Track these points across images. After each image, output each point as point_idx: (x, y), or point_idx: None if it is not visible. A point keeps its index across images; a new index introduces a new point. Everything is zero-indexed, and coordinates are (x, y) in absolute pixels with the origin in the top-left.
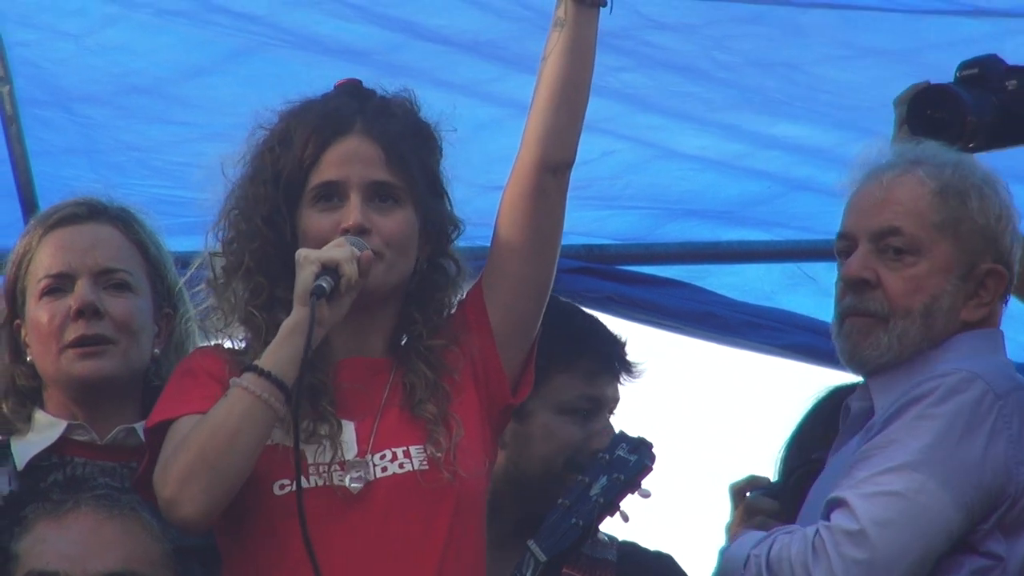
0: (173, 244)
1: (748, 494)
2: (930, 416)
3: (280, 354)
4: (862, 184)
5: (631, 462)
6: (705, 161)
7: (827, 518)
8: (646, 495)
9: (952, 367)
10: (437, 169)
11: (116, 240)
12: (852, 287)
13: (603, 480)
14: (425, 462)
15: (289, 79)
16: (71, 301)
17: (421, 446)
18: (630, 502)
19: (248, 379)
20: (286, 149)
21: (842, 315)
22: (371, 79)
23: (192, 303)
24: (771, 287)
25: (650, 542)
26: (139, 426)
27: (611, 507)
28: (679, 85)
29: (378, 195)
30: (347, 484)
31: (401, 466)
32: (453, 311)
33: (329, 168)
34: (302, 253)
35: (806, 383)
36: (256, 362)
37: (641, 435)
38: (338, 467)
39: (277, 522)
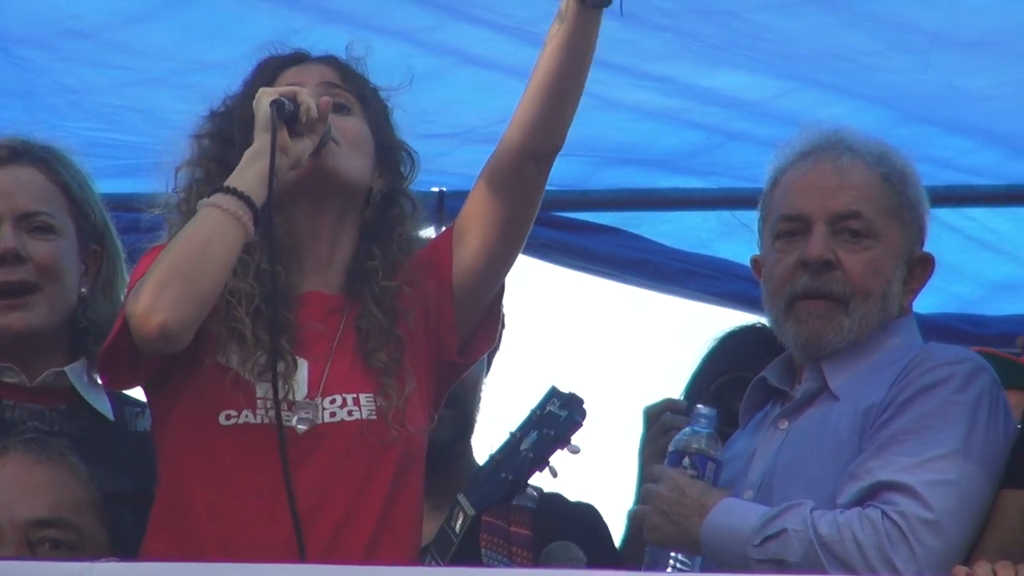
0: (109, 186)
1: (666, 415)
2: (958, 403)
3: (246, 174)
4: (803, 166)
5: (562, 418)
6: (642, 112)
7: (875, 497)
8: (575, 451)
9: (954, 354)
10: (387, 112)
11: (38, 182)
12: (814, 268)
13: (533, 435)
14: (374, 412)
15: (226, 25)
16: None
17: (371, 395)
18: (559, 457)
19: (215, 197)
20: (237, 95)
21: (795, 297)
22: (306, 25)
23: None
24: (707, 235)
25: (576, 491)
26: (68, 369)
27: (541, 462)
28: (616, 32)
29: (334, 99)
30: (294, 424)
31: (350, 413)
32: (415, 251)
33: (285, 80)
34: (260, 91)
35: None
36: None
37: (572, 391)
38: (286, 406)
39: (218, 453)
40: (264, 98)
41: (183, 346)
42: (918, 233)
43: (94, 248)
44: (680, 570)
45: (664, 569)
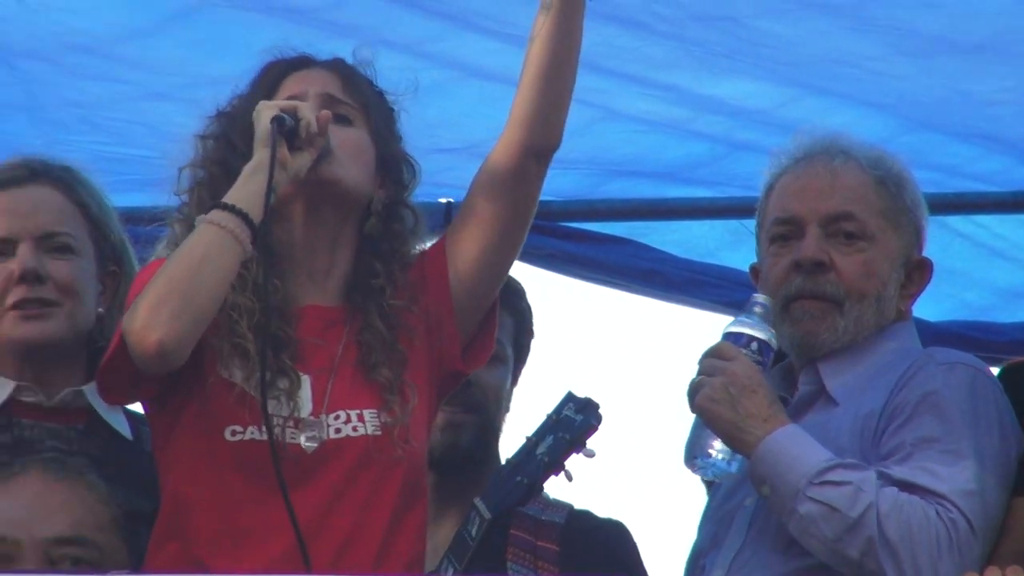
0: (116, 200)
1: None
2: (976, 412)
3: (244, 190)
4: (797, 170)
5: (577, 421)
6: (648, 123)
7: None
8: (591, 454)
9: (956, 357)
10: (392, 119)
11: (57, 202)
12: (807, 269)
13: (549, 439)
14: (379, 428)
15: (231, 40)
16: (13, 266)
17: (375, 411)
18: (575, 461)
19: (213, 214)
20: (241, 98)
21: (790, 299)
22: (311, 39)
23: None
24: (715, 244)
25: (602, 505)
26: (87, 388)
27: (556, 466)
28: (619, 39)
29: (333, 108)
30: (301, 443)
31: (355, 429)
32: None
33: (288, 88)
34: (260, 104)
35: None
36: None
37: (588, 395)
38: (291, 424)
39: (224, 469)
40: (264, 113)
41: (180, 363)
42: (915, 237)
43: (112, 269)
44: (717, 463)
45: (704, 452)
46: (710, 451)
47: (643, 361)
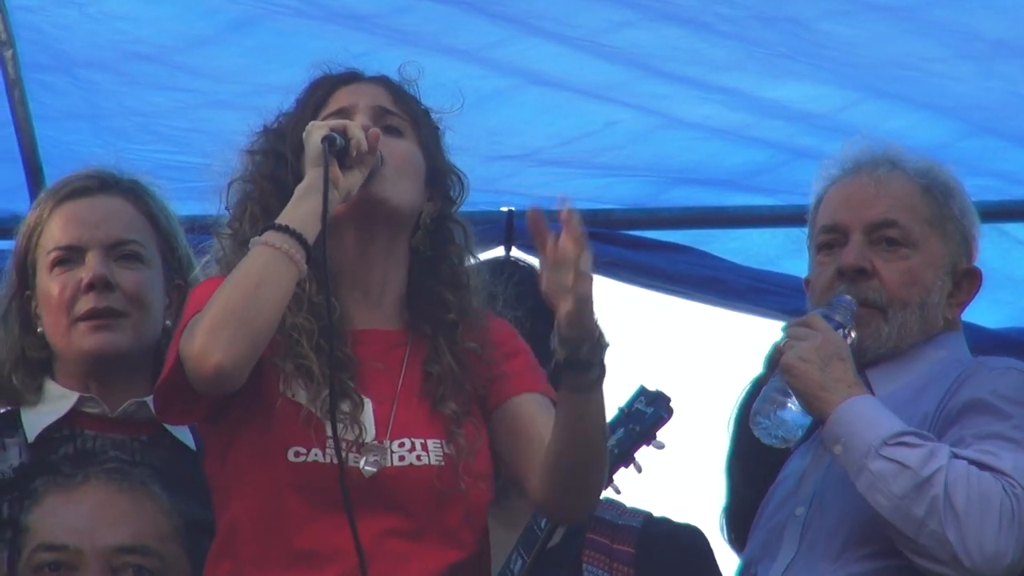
0: (177, 208)
1: None
2: None
3: (297, 211)
4: (844, 180)
5: (647, 414)
6: (708, 130)
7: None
8: (660, 447)
9: (1008, 363)
10: (439, 136)
11: (127, 212)
12: (850, 276)
13: (620, 432)
14: (442, 459)
15: (292, 48)
16: (82, 274)
17: (439, 441)
18: (646, 454)
19: (267, 235)
20: (290, 114)
21: None
22: (372, 47)
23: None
24: (775, 251)
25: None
26: (150, 400)
27: (626, 457)
28: (681, 40)
29: (384, 120)
30: (361, 467)
31: (418, 458)
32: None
33: (338, 100)
34: (310, 124)
35: None
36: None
37: (659, 388)
38: (354, 448)
39: (284, 491)
40: (315, 133)
41: (238, 386)
42: (963, 246)
43: (178, 282)
44: (788, 420)
45: (777, 408)
46: (788, 405)
47: (705, 368)
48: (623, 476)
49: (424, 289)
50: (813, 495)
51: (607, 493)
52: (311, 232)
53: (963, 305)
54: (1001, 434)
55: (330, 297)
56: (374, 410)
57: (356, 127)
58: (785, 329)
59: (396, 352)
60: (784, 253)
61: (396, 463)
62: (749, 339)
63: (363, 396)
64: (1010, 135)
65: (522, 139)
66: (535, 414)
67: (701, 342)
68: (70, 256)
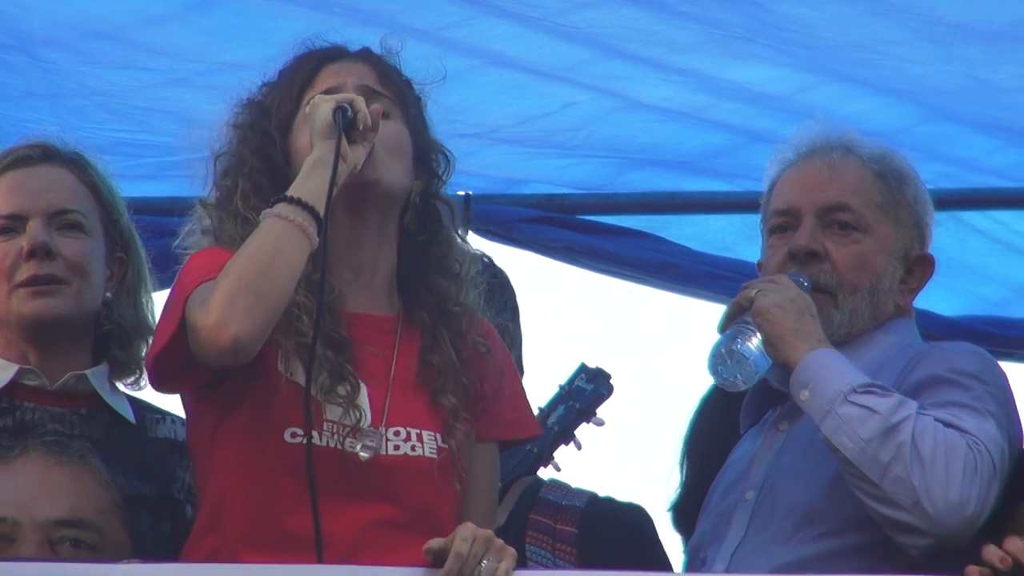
0: (134, 187)
1: None
2: (987, 384)
3: (308, 184)
4: (798, 164)
5: (588, 391)
6: (667, 112)
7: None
8: (600, 423)
9: (961, 345)
10: (422, 109)
11: (69, 182)
12: (801, 259)
13: (560, 409)
14: (435, 451)
15: (251, 26)
16: (23, 242)
17: (433, 433)
18: (586, 431)
19: (279, 208)
20: (275, 89)
21: None
22: (333, 26)
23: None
24: (732, 238)
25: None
26: (90, 372)
27: (566, 435)
28: (640, 21)
29: (372, 101)
30: (357, 451)
31: (413, 448)
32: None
33: (324, 79)
34: (316, 97)
35: None
36: (286, 193)
37: (600, 366)
38: (351, 433)
39: (278, 472)
40: (323, 105)
41: (250, 359)
42: (916, 232)
43: (119, 255)
44: (751, 359)
45: (740, 347)
46: (752, 345)
47: (658, 354)
48: (564, 453)
49: (415, 273)
50: (764, 479)
51: (548, 472)
52: (322, 205)
53: (915, 292)
54: (961, 402)
55: (324, 272)
56: (369, 394)
57: (361, 101)
58: (748, 287)
59: (386, 338)
60: (740, 239)
61: (391, 451)
62: (704, 325)
63: (359, 380)
64: (968, 120)
65: (480, 119)
66: (478, 472)
67: (659, 328)
68: (11, 225)
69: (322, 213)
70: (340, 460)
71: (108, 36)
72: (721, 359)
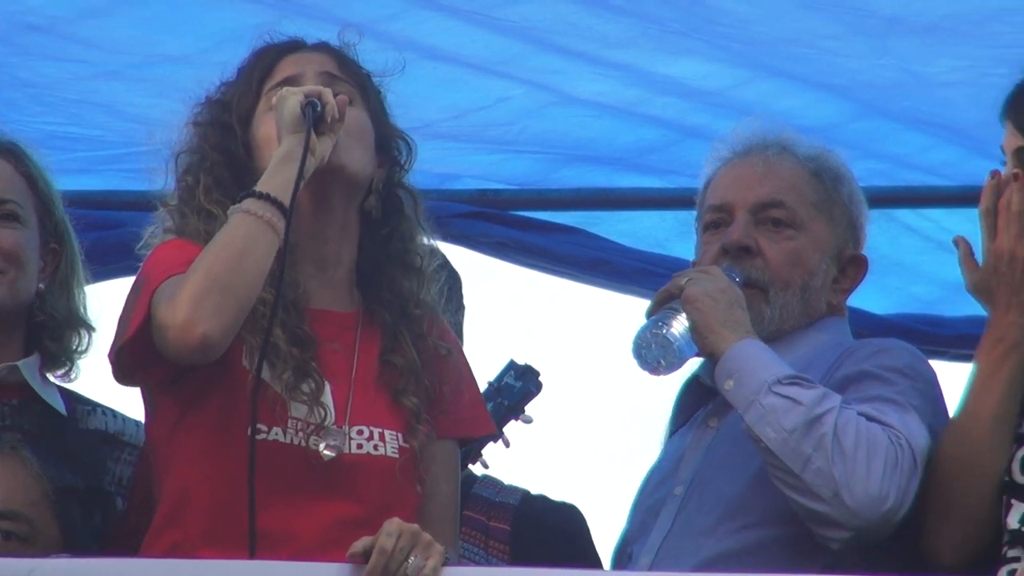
0: (68, 180)
1: None
2: (915, 380)
3: (277, 179)
4: (734, 161)
5: (516, 388)
6: (601, 107)
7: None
8: (528, 420)
9: (891, 341)
10: (382, 99)
11: (6, 172)
12: (733, 254)
13: (489, 406)
14: (397, 451)
15: (185, 19)
16: None
17: (395, 433)
18: (515, 429)
19: (248, 203)
20: (233, 85)
21: None
22: (266, 19)
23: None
24: (664, 234)
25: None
26: (21, 363)
27: (494, 432)
28: (575, 15)
29: (333, 87)
30: (321, 449)
31: (376, 447)
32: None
33: (283, 70)
34: (284, 90)
35: None
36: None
37: (528, 363)
38: (314, 431)
39: (242, 468)
40: (290, 99)
41: (218, 356)
42: (849, 231)
43: (53, 246)
44: (675, 340)
45: (665, 325)
46: (678, 331)
47: (591, 350)
48: (491, 451)
49: (376, 267)
50: (693, 475)
51: (476, 468)
52: (289, 200)
53: (848, 292)
54: (885, 397)
55: (286, 267)
56: (332, 392)
57: (329, 93)
58: (679, 276)
59: (348, 335)
60: (673, 236)
61: (354, 450)
62: (636, 321)
63: (323, 378)
64: (901, 116)
65: (414, 113)
66: (437, 471)
67: (591, 325)
68: None
69: (290, 208)
70: (304, 458)
71: (41, 28)
72: (646, 343)
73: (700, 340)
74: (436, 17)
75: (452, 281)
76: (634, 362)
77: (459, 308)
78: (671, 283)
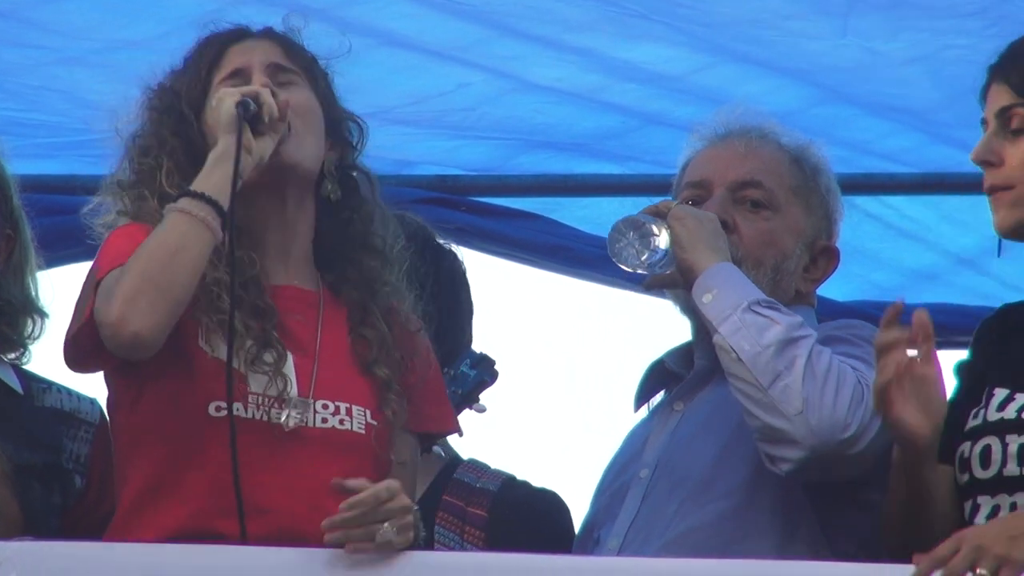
0: (26, 164)
1: None
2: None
3: (211, 178)
4: (715, 142)
5: (471, 377)
6: (561, 93)
7: None
8: (482, 410)
9: (853, 320)
10: (330, 82)
11: None
12: None
13: None
14: (363, 427)
15: (144, 4)
16: None
17: (363, 408)
18: (467, 416)
19: (182, 202)
20: (182, 73)
21: None
22: (226, 4)
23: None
24: None
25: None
26: None
27: None
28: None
29: (280, 76)
30: (283, 421)
31: (341, 422)
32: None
33: (231, 61)
34: (221, 91)
35: (658, 316)
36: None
37: (484, 352)
38: (276, 403)
39: (207, 445)
40: (227, 99)
41: (154, 351)
42: (825, 222)
43: (8, 232)
44: (656, 242)
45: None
46: (660, 232)
47: (550, 336)
48: (452, 439)
49: (338, 251)
50: (659, 457)
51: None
52: (226, 199)
53: (818, 282)
54: (854, 354)
55: (237, 248)
56: (295, 363)
57: (267, 93)
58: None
59: (311, 312)
60: None
61: (319, 424)
62: (596, 307)
63: (286, 348)
64: (862, 102)
65: (372, 99)
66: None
67: (550, 311)
68: None
69: (226, 207)
70: (267, 431)
71: (1, 14)
72: (624, 229)
73: (680, 254)
74: (395, 2)
75: (453, 281)
76: (608, 249)
77: (464, 310)
78: (662, 202)
